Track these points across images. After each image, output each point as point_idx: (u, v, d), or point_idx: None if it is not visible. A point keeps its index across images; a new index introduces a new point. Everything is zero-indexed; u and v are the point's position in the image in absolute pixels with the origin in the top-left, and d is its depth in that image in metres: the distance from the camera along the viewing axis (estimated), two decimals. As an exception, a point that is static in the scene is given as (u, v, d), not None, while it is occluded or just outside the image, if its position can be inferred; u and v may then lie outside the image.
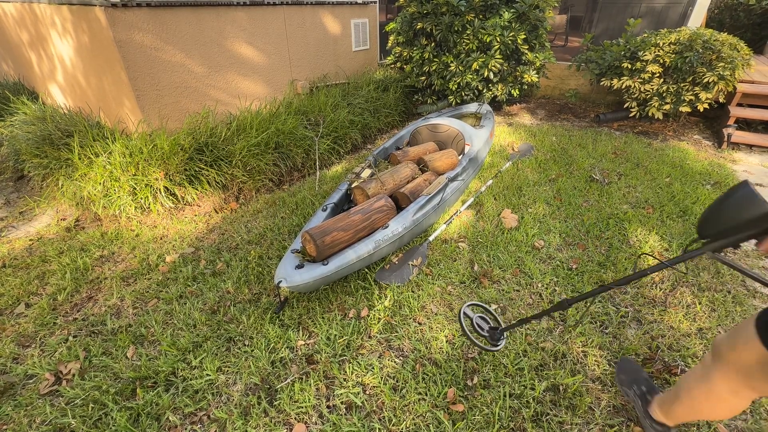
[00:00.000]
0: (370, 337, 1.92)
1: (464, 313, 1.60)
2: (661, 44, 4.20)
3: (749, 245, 2.44)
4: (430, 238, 2.53)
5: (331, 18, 4.95)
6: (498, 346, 1.59)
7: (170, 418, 1.57)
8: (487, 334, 1.61)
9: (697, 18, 5.01)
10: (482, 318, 1.66)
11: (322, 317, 2.02)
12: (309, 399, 1.62)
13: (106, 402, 1.61)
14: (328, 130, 3.93)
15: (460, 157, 3.31)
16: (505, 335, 1.61)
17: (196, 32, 3.56)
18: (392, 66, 5.72)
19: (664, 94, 4.23)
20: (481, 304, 1.73)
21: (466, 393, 1.64)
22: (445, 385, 1.66)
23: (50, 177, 3.10)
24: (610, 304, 2.07)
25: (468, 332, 1.56)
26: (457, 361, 1.77)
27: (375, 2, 5.61)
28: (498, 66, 4.44)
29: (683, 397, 1.29)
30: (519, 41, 4.38)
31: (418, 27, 4.73)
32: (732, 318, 1.97)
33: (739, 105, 4.37)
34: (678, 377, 1.66)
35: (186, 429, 1.54)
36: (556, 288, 2.18)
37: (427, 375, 1.72)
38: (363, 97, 4.66)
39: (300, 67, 4.76)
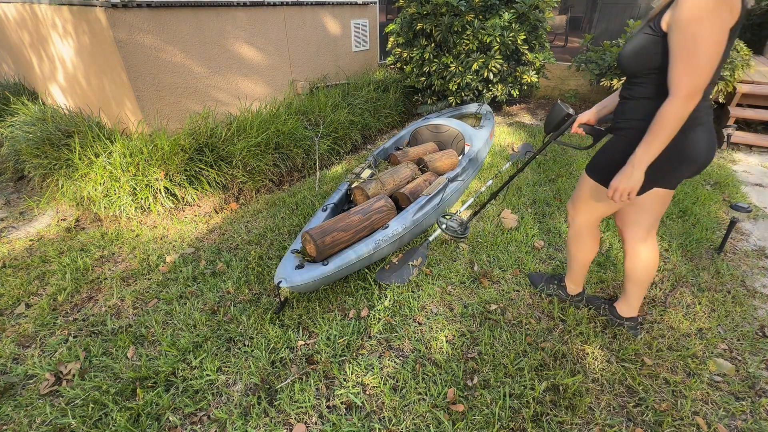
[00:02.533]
0: (370, 337, 1.92)
1: (439, 221, 2.47)
2: (660, 45, 4.19)
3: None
4: (430, 239, 2.54)
5: (331, 18, 4.95)
6: (466, 233, 2.43)
7: (170, 418, 1.57)
8: (458, 230, 2.44)
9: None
10: (452, 220, 2.50)
11: (322, 317, 2.02)
12: (309, 399, 1.62)
13: (106, 402, 1.61)
14: (328, 130, 3.93)
15: (460, 158, 3.31)
16: (468, 226, 2.48)
17: (196, 33, 3.56)
18: (392, 66, 5.73)
19: (664, 95, 4.23)
20: (449, 213, 2.55)
21: (466, 393, 1.64)
22: (445, 385, 1.66)
23: (50, 177, 3.10)
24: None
25: (445, 231, 2.41)
26: (457, 361, 1.77)
27: (375, 3, 5.61)
28: (498, 66, 4.44)
29: (569, 260, 1.94)
30: (519, 42, 4.39)
31: (418, 27, 4.73)
32: (732, 318, 1.97)
33: (739, 105, 4.37)
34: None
35: (186, 429, 1.54)
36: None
37: (427, 375, 1.72)
38: (363, 97, 4.67)
39: (300, 67, 4.76)
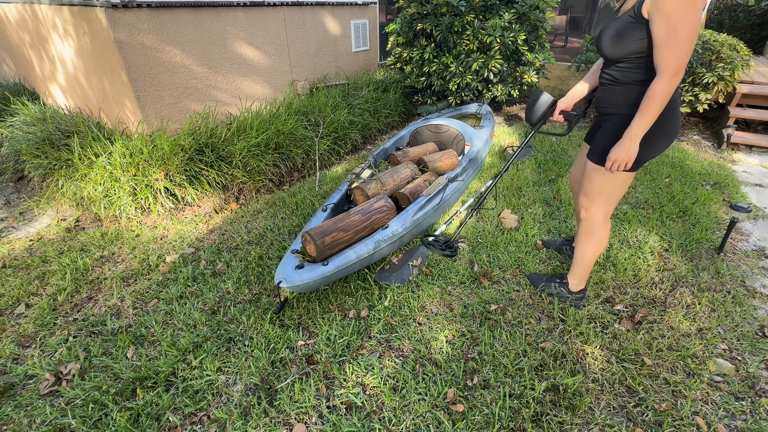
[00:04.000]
0: (370, 337, 1.92)
1: (425, 243, 2.44)
2: (660, 45, 4.20)
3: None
4: (430, 239, 2.53)
5: (331, 19, 4.96)
6: (455, 252, 2.41)
7: (170, 418, 1.57)
8: (445, 249, 2.41)
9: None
10: (436, 240, 2.47)
11: (322, 317, 2.02)
12: (309, 399, 1.62)
13: (106, 402, 1.61)
14: (328, 130, 3.94)
15: (460, 158, 3.31)
16: (457, 244, 2.45)
17: (196, 33, 3.56)
18: (392, 67, 5.73)
19: (664, 95, 4.23)
20: (432, 233, 2.54)
21: (466, 393, 1.64)
22: (445, 386, 1.66)
23: (50, 177, 3.10)
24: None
25: (435, 251, 2.40)
26: (457, 361, 1.77)
27: (375, 3, 5.61)
28: (498, 67, 4.44)
29: (580, 257, 1.93)
30: (519, 42, 4.39)
31: (418, 28, 4.73)
32: (732, 318, 1.97)
33: (739, 105, 4.37)
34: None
35: (186, 429, 1.54)
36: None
37: (427, 375, 1.72)
38: (363, 97, 4.67)
39: (300, 67, 4.77)
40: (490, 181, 2.29)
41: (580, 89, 1.90)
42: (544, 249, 2.51)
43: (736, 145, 4.12)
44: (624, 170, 1.57)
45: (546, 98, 1.92)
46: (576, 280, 2.02)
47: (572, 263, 2.01)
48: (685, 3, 1.25)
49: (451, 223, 2.76)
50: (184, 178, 2.96)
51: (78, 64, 3.63)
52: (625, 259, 2.37)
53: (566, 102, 1.97)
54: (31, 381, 1.73)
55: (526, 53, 4.59)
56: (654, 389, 1.64)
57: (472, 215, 2.51)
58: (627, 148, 1.50)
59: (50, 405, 1.62)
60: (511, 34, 4.33)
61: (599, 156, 1.66)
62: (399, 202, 2.69)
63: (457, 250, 2.42)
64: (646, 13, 1.34)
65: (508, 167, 2.20)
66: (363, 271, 2.33)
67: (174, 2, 3.30)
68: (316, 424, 1.55)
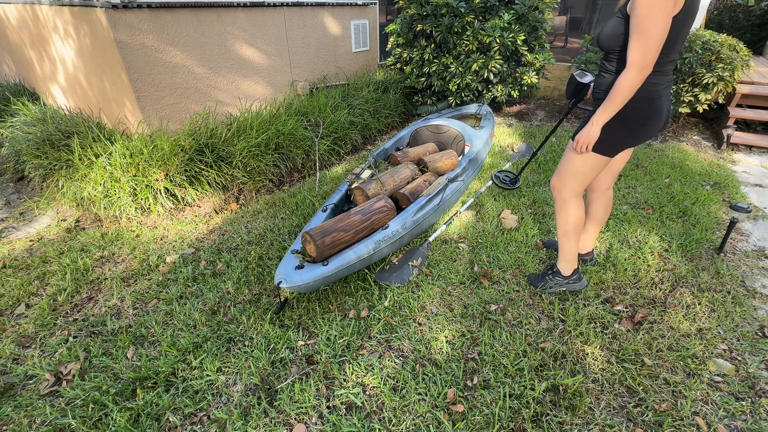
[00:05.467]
0: (370, 337, 1.92)
1: (493, 176, 2.84)
2: (660, 45, 4.20)
3: None
4: (430, 239, 2.54)
5: (331, 19, 4.96)
6: (516, 185, 2.78)
7: (170, 418, 1.57)
8: (509, 181, 2.78)
9: (696, 19, 5.02)
10: (503, 173, 2.82)
11: (322, 318, 2.02)
12: (309, 399, 1.62)
13: (106, 402, 1.61)
14: (328, 131, 3.94)
15: (460, 158, 3.31)
16: (519, 178, 2.79)
17: (196, 33, 3.56)
18: (392, 67, 5.73)
19: (664, 95, 4.23)
20: (503, 169, 2.86)
21: (466, 393, 1.64)
22: (445, 386, 1.66)
23: (50, 178, 3.11)
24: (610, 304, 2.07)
25: (499, 184, 2.80)
26: (457, 361, 1.77)
27: (375, 3, 5.62)
28: (498, 67, 4.45)
29: (560, 237, 2.03)
30: (519, 42, 4.39)
31: (418, 28, 4.74)
32: (732, 318, 1.97)
33: (739, 106, 4.38)
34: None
35: (186, 429, 1.54)
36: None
37: (427, 375, 1.72)
38: (363, 98, 4.67)
39: (300, 68, 4.77)
40: (550, 133, 2.46)
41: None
42: (544, 249, 2.51)
43: (736, 145, 4.12)
44: (587, 152, 1.72)
45: (585, 76, 1.94)
46: (565, 264, 2.07)
47: (558, 247, 2.08)
48: (656, 5, 1.35)
49: (451, 223, 2.76)
50: (184, 178, 2.96)
51: (78, 65, 3.63)
52: (625, 260, 2.37)
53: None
54: (31, 381, 1.73)
55: (525, 54, 4.59)
56: (654, 389, 1.64)
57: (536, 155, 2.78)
58: (587, 132, 1.65)
59: (50, 405, 1.62)
60: (511, 35, 4.33)
61: (574, 135, 1.80)
62: (399, 203, 2.69)
63: (519, 182, 2.78)
64: (628, 9, 1.45)
65: (557, 127, 2.45)
66: (363, 272, 2.33)
67: (174, 3, 3.30)
68: (316, 424, 1.55)
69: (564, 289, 2.11)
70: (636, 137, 1.69)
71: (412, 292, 2.18)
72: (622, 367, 1.73)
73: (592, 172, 1.81)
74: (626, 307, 2.05)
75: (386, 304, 2.09)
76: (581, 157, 1.76)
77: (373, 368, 1.75)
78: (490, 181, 2.57)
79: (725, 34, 4.22)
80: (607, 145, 1.70)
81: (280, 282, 1.93)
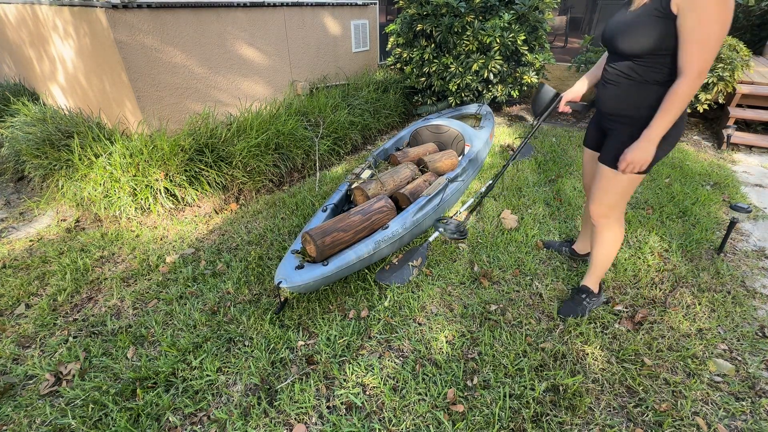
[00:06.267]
0: (370, 337, 1.92)
1: (435, 226, 2.36)
2: (660, 45, 4.20)
3: None
4: (430, 239, 2.54)
5: (331, 19, 4.96)
6: (465, 235, 2.32)
7: (170, 418, 1.57)
8: (453, 229, 2.31)
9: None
10: (448, 223, 2.35)
11: (322, 318, 2.02)
12: (309, 399, 1.62)
13: (106, 402, 1.61)
14: (328, 131, 3.94)
15: (460, 158, 3.31)
16: (465, 229, 2.35)
17: (196, 33, 3.56)
18: (392, 67, 5.73)
19: (664, 95, 4.23)
20: (444, 217, 2.45)
21: (466, 393, 1.64)
22: (445, 386, 1.66)
23: (50, 178, 3.10)
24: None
25: (443, 234, 2.30)
26: (457, 361, 1.77)
27: (375, 3, 5.62)
28: (498, 67, 4.45)
29: (599, 263, 1.92)
30: (519, 42, 4.39)
31: (418, 28, 4.74)
32: (732, 318, 1.97)
33: (739, 106, 4.38)
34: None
35: (186, 429, 1.54)
36: (557, 288, 2.18)
37: (427, 375, 1.72)
38: (363, 98, 4.67)
39: (300, 68, 4.77)
40: (495, 178, 2.38)
41: (589, 79, 1.88)
42: (544, 249, 2.51)
43: (736, 145, 4.12)
44: (638, 172, 1.54)
45: (548, 90, 1.98)
46: (596, 281, 2.00)
47: (590, 267, 1.97)
48: (723, 8, 1.20)
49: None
50: (184, 178, 2.96)
51: (78, 65, 3.63)
52: (625, 260, 2.37)
53: (572, 94, 1.97)
54: (31, 381, 1.73)
55: (525, 54, 4.59)
56: (654, 389, 1.64)
57: (479, 205, 2.56)
58: (645, 150, 1.45)
59: (50, 405, 1.61)
60: (511, 35, 4.33)
61: (612, 159, 1.61)
62: (399, 203, 2.69)
63: (467, 234, 2.40)
64: (675, 8, 1.27)
65: (516, 156, 2.31)
66: (363, 272, 2.33)
67: (174, 3, 3.30)
68: (316, 424, 1.55)
69: (597, 306, 2.03)
70: (669, 148, 1.56)
71: (412, 292, 2.18)
72: (622, 367, 1.73)
73: (634, 189, 1.67)
74: (626, 307, 2.05)
75: (386, 304, 2.09)
76: (627, 178, 1.60)
77: (373, 368, 1.75)
78: (436, 232, 2.39)
79: (725, 34, 4.22)
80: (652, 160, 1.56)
81: (280, 282, 1.93)
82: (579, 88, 1.93)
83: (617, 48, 1.46)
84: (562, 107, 1.99)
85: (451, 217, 2.48)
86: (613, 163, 1.61)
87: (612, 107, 1.59)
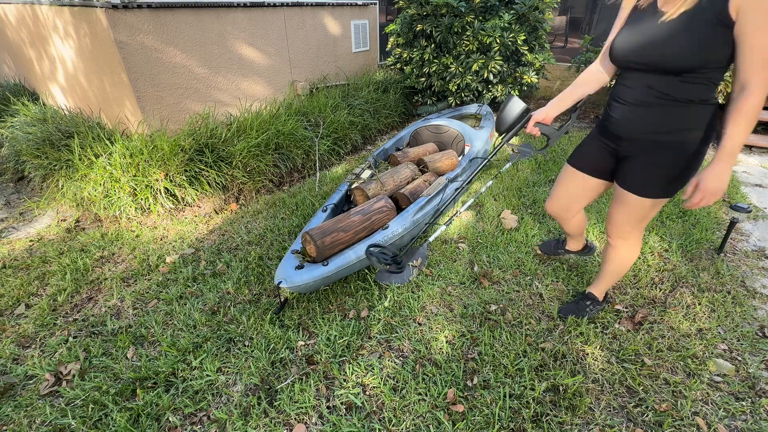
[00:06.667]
0: (370, 337, 1.92)
1: (367, 252, 1.98)
2: (660, 45, 4.20)
3: None
4: (430, 239, 2.53)
5: (331, 19, 4.96)
6: (401, 269, 2.06)
7: (170, 418, 1.57)
8: (391, 263, 2.05)
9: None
10: (383, 253, 2.07)
11: (322, 318, 2.02)
12: (309, 399, 1.62)
13: (106, 402, 1.61)
14: (328, 131, 3.94)
15: (460, 158, 3.31)
16: (401, 259, 2.08)
17: (196, 33, 3.56)
18: (392, 67, 5.73)
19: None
20: (380, 244, 2.12)
21: (466, 393, 1.64)
22: (445, 386, 1.66)
23: (50, 178, 3.10)
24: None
25: (379, 264, 1.97)
26: (457, 361, 1.77)
27: (375, 4, 5.62)
28: (498, 67, 4.45)
29: (612, 271, 1.81)
30: (519, 42, 4.39)
31: (418, 28, 4.74)
32: (732, 318, 1.97)
33: (739, 106, 4.36)
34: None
35: (186, 429, 1.54)
36: (557, 288, 2.18)
37: (427, 375, 1.72)
38: (363, 98, 4.67)
39: (300, 68, 4.77)
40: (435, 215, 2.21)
41: (564, 99, 1.63)
42: (545, 257, 2.50)
43: (736, 145, 4.11)
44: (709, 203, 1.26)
45: (517, 105, 1.68)
46: (603, 290, 1.95)
47: (600, 277, 1.90)
48: None
49: (451, 223, 2.76)
50: (184, 178, 2.96)
51: (78, 65, 3.63)
52: (625, 260, 2.37)
53: (543, 114, 1.67)
54: (31, 381, 1.73)
55: (525, 54, 4.59)
56: (654, 389, 1.64)
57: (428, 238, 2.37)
58: (721, 177, 1.20)
59: (50, 405, 1.61)
60: (511, 35, 4.33)
61: (661, 188, 1.42)
62: (399, 203, 2.69)
63: (404, 267, 2.13)
64: (734, 12, 1.09)
65: (472, 179, 2.16)
66: (363, 272, 2.33)
67: (174, 3, 3.30)
68: (316, 424, 1.55)
69: (600, 311, 2.00)
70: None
71: (412, 292, 2.18)
72: (622, 367, 1.73)
73: (658, 210, 1.54)
74: (626, 307, 2.05)
75: (386, 304, 2.09)
76: (652, 202, 1.45)
77: (373, 368, 1.75)
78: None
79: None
80: (685, 181, 1.38)
81: (280, 282, 1.93)
82: (551, 110, 1.66)
83: (653, 64, 1.25)
84: (530, 128, 1.71)
85: (386, 246, 2.19)
86: (661, 192, 1.43)
87: (643, 131, 1.38)
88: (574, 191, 1.76)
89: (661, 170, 1.40)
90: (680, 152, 1.35)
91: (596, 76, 1.58)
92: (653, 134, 1.36)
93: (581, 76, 1.59)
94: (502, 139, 1.76)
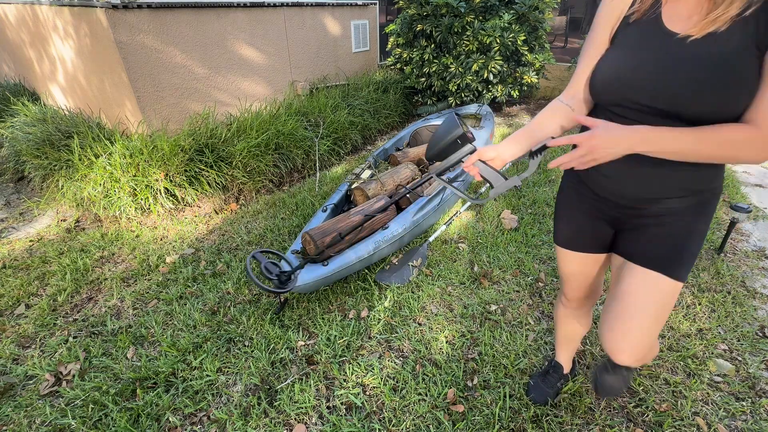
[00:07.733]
0: (370, 337, 1.92)
1: (254, 257, 1.76)
2: (660, 45, 4.20)
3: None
4: (430, 239, 2.54)
5: (331, 19, 4.96)
6: (284, 289, 1.81)
7: (170, 418, 1.57)
8: (275, 278, 1.85)
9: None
10: (273, 263, 1.86)
11: (322, 318, 2.02)
12: (309, 399, 1.62)
13: (106, 403, 1.60)
14: (328, 131, 3.94)
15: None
16: (293, 278, 1.85)
17: (196, 33, 3.56)
18: (392, 67, 5.73)
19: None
20: (273, 251, 1.97)
21: (466, 393, 1.64)
22: (445, 386, 1.66)
23: (50, 178, 3.10)
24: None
25: (252, 275, 1.78)
26: (457, 361, 1.77)
27: (375, 4, 5.62)
28: (498, 67, 4.45)
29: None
30: (519, 42, 4.39)
31: (418, 28, 4.74)
32: (732, 318, 1.97)
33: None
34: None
35: (186, 429, 1.54)
36: (557, 288, 2.18)
37: (427, 375, 1.72)
38: (363, 98, 4.67)
39: (300, 68, 4.77)
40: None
41: (517, 145, 1.08)
42: (544, 248, 2.50)
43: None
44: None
45: (451, 128, 1.12)
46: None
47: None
48: None
49: (451, 223, 2.76)
50: (184, 178, 2.96)
51: (78, 65, 3.63)
52: (625, 260, 2.37)
53: (494, 152, 1.08)
54: (31, 381, 1.73)
55: (525, 54, 4.59)
56: (654, 389, 1.64)
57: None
58: (619, 141, 0.84)
59: (50, 405, 1.61)
60: (511, 35, 4.33)
61: (678, 267, 1.00)
62: (399, 203, 2.69)
63: (288, 289, 1.85)
64: None
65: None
66: (363, 272, 2.33)
67: (174, 3, 3.30)
68: (316, 424, 1.55)
69: None
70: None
71: (412, 293, 2.17)
72: (622, 367, 1.73)
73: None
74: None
75: (386, 304, 2.09)
76: (676, 286, 1.00)
77: (373, 368, 1.75)
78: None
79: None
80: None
81: (280, 282, 1.92)
82: (506, 150, 1.08)
83: (670, 108, 0.85)
84: (467, 166, 1.12)
85: (277, 261, 1.99)
86: (670, 268, 0.99)
87: (654, 193, 0.97)
88: (583, 277, 1.33)
89: (686, 231, 1.01)
90: (704, 205, 0.99)
91: (562, 114, 1.07)
92: (668, 194, 0.97)
93: (542, 114, 1.10)
94: (432, 173, 1.31)
